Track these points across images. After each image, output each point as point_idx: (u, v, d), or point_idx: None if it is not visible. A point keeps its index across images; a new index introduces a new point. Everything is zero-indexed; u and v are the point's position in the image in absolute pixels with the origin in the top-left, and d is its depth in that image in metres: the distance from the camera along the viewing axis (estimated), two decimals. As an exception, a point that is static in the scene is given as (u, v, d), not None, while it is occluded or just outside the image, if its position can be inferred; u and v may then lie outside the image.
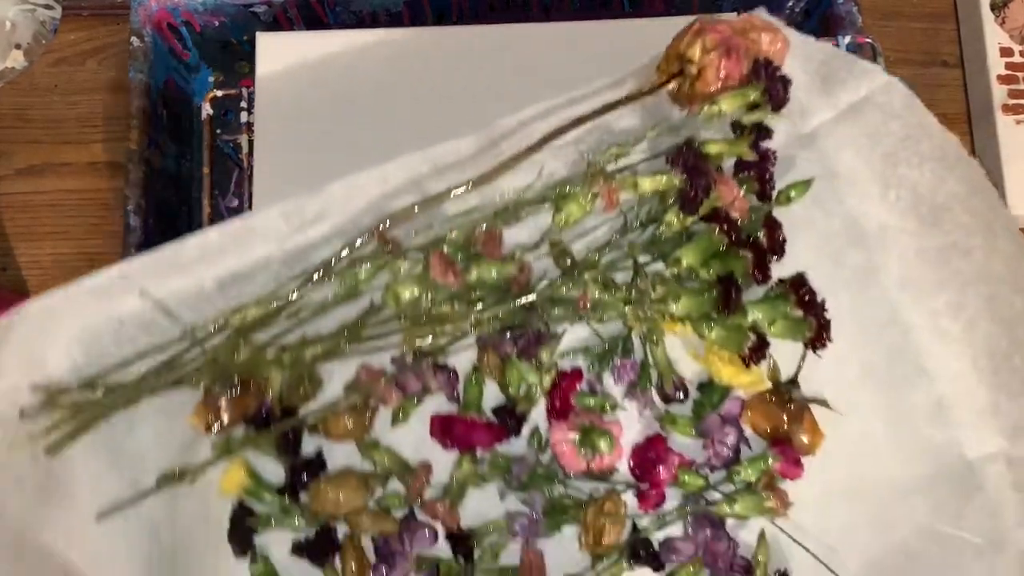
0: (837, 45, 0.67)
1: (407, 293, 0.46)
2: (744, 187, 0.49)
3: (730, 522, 0.51)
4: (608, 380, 0.53)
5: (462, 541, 0.49)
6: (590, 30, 0.68)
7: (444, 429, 0.50)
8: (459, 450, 0.50)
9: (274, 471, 0.49)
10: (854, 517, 0.51)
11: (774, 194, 0.50)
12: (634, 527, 0.50)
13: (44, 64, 0.73)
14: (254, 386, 0.48)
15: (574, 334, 0.53)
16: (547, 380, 0.51)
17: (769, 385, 0.52)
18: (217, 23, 0.69)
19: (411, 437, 0.51)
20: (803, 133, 0.52)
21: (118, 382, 0.45)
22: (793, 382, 0.52)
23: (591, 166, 0.48)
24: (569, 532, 0.51)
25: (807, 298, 0.48)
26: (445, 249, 0.46)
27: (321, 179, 0.48)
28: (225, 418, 0.48)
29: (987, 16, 0.74)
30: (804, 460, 0.51)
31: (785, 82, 0.49)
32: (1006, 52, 0.73)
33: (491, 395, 0.52)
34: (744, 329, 0.48)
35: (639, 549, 0.49)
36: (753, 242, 0.48)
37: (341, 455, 0.50)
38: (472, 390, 0.51)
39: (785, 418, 0.51)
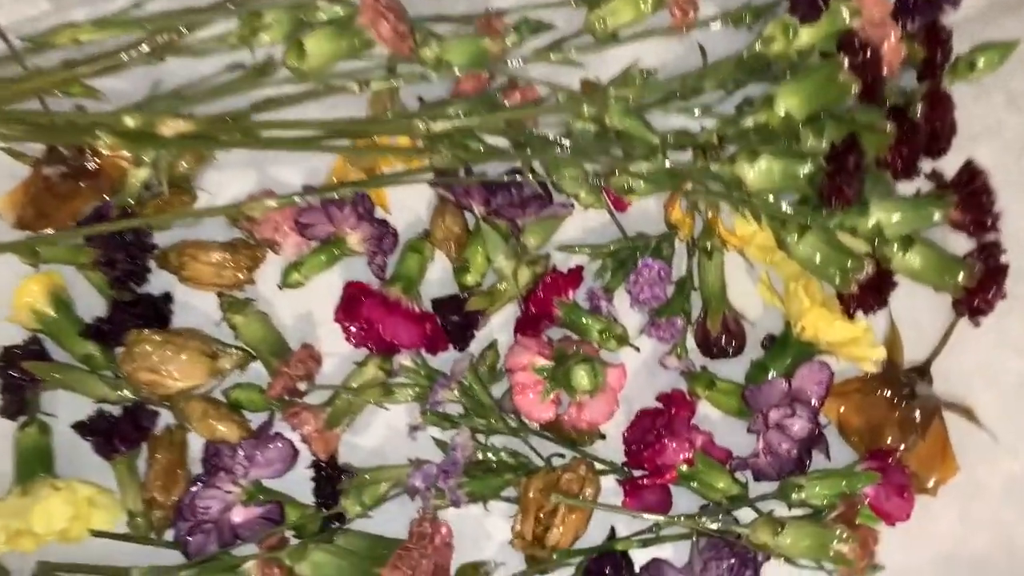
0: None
1: (318, 47, 0.32)
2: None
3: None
4: (622, 301, 0.40)
5: (331, 480, 0.38)
6: None
7: (353, 305, 0.39)
8: (366, 344, 0.39)
9: (93, 307, 0.40)
10: None
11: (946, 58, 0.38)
12: (611, 534, 0.37)
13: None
14: (100, 179, 0.38)
15: (585, 221, 0.40)
16: (527, 275, 0.39)
17: (881, 361, 0.38)
18: None
19: (302, 310, 0.41)
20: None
21: None
22: (923, 370, 0.38)
23: None
24: (499, 511, 0.38)
25: (981, 201, 0.33)
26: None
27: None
28: (47, 212, 0.39)
29: None
30: (919, 501, 0.37)
31: None
32: None
33: (437, 278, 0.41)
34: (855, 246, 0.34)
35: (604, 570, 0.36)
36: (900, 112, 0.34)
37: (195, 312, 0.40)
38: (411, 260, 0.39)
39: (898, 423, 0.37)
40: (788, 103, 0.34)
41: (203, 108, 0.37)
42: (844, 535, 0.34)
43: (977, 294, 0.35)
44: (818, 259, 0.35)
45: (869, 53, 0.35)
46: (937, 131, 0.36)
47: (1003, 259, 0.35)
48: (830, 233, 0.35)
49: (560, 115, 0.36)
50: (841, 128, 0.35)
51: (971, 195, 0.34)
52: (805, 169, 0.34)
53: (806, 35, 0.35)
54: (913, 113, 0.36)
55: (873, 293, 0.35)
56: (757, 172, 0.34)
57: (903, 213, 0.34)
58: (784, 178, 0.34)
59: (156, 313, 0.39)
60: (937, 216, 0.34)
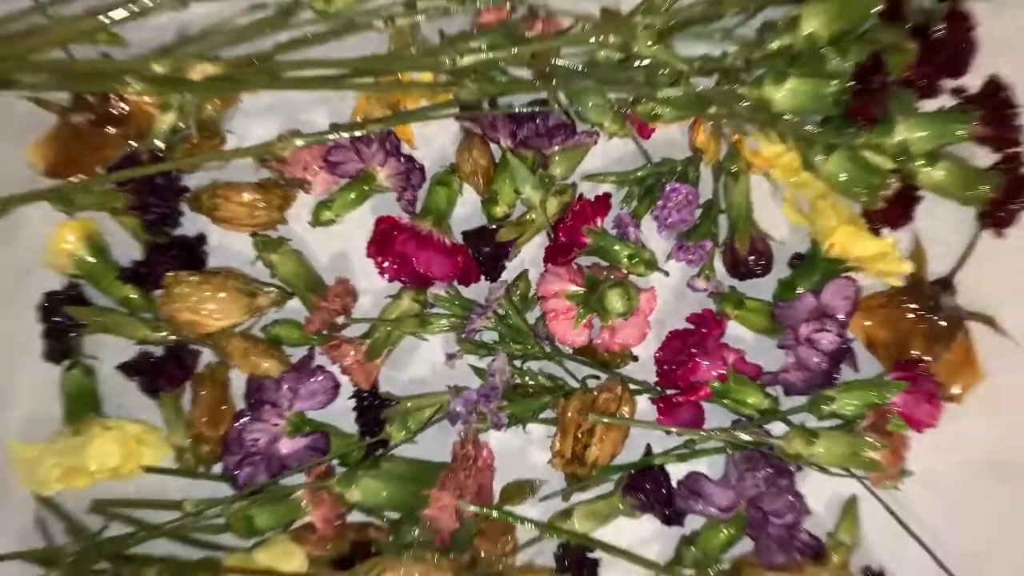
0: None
1: None
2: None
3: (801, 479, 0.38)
4: (650, 227, 0.40)
5: (374, 409, 0.39)
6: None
7: (385, 240, 0.39)
8: (400, 277, 0.39)
9: (129, 251, 0.40)
10: (1011, 513, 0.38)
11: None
12: (647, 451, 0.38)
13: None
14: (129, 125, 0.38)
15: (611, 149, 0.40)
16: (555, 204, 0.39)
17: (907, 276, 0.38)
18: None
19: (336, 247, 0.41)
20: None
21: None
22: (947, 283, 0.38)
23: None
24: (539, 433, 0.39)
25: (1006, 115, 0.33)
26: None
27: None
28: (78, 158, 0.39)
29: None
30: (947, 409, 0.37)
31: None
32: None
33: (466, 211, 0.41)
34: (881, 163, 0.34)
35: (644, 484, 0.37)
36: (922, 30, 0.35)
37: (231, 252, 0.41)
38: (439, 194, 0.39)
39: (924, 335, 0.38)
40: (812, 24, 0.34)
41: (228, 51, 0.37)
42: (876, 443, 0.35)
43: (1001, 205, 0.36)
44: (845, 177, 0.35)
45: None
46: (959, 48, 0.36)
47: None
48: (856, 151, 0.35)
49: (583, 46, 0.35)
50: (865, 48, 0.35)
51: (995, 109, 0.35)
52: (831, 89, 0.34)
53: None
54: (935, 32, 0.36)
55: (899, 208, 0.35)
56: (784, 94, 0.34)
57: (928, 129, 0.35)
58: (811, 99, 0.34)
59: (191, 255, 0.39)
60: (961, 131, 0.35)
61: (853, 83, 0.34)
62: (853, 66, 0.34)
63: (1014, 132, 0.35)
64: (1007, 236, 0.36)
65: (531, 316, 0.40)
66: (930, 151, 0.35)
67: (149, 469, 0.39)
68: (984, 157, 0.36)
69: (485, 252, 0.40)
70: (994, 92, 0.35)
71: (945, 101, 0.36)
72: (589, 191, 0.41)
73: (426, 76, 0.38)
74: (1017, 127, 0.35)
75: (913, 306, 0.38)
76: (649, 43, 0.34)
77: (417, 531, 0.37)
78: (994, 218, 0.36)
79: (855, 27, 0.35)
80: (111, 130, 0.39)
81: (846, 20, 0.35)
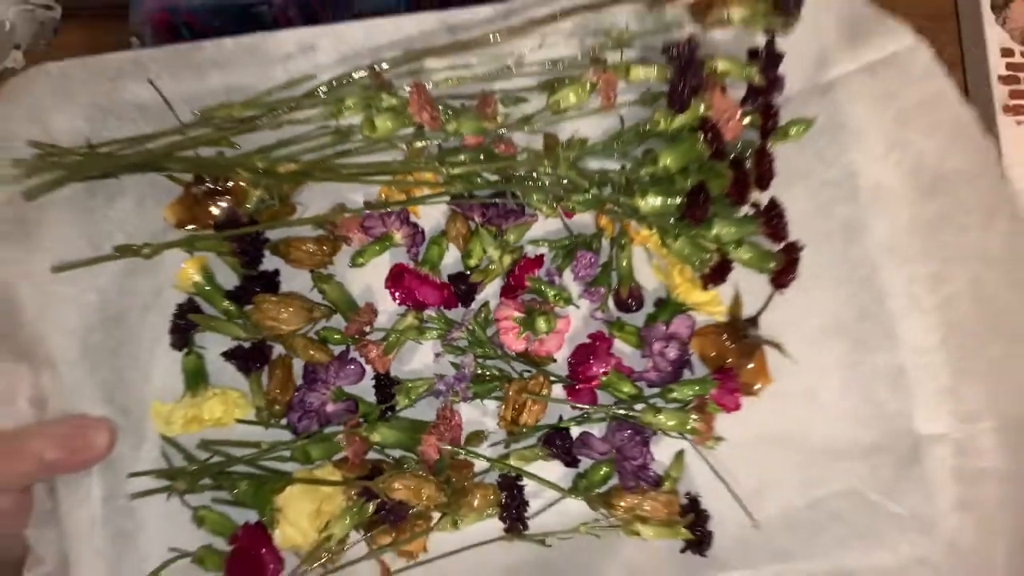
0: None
1: (383, 123, 0.47)
2: (748, 118, 0.49)
3: (655, 444, 0.50)
4: (568, 277, 0.53)
5: (386, 386, 0.50)
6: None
7: (397, 278, 0.51)
8: (406, 303, 0.51)
9: (228, 278, 0.51)
10: (783, 466, 0.50)
11: (774, 128, 0.49)
12: (559, 419, 0.51)
13: (44, 63, 0.69)
14: (231, 196, 0.50)
15: (546, 225, 0.53)
16: (508, 260, 0.52)
17: (728, 315, 0.52)
18: (217, 23, 0.63)
19: (365, 282, 0.52)
20: (820, 83, 0.52)
21: (107, 152, 0.48)
22: (753, 321, 0.52)
23: (592, 52, 0.48)
24: (491, 408, 0.52)
25: (776, 223, 0.47)
26: (429, 86, 0.47)
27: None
28: (197, 216, 0.50)
29: (988, 16, 0.72)
30: (745, 401, 0.50)
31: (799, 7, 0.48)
32: (1007, 53, 0.72)
33: (451, 262, 0.53)
34: (707, 246, 0.48)
35: (556, 439, 0.50)
36: (737, 163, 0.47)
37: (296, 282, 0.52)
38: (434, 250, 0.52)
39: (735, 352, 0.51)
40: (666, 160, 0.47)
41: (304, 155, 0.48)
42: (697, 418, 0.48)
43: (782, 274, 0.48)
44: (686, 253, 0.48)
45: (715, 132, 0.46)
46: (762, 176, 0.48)
47: (798, 254, 0.47)
48: (692, 238, 0.47)
49: (530, 164, 0.47)
50: (700, 174, 0.47)
51: (772, 218, 0.47)
52: (676, 201, 0.46)
53: (678, 119, 0.47)
54: (747, 163, 0.47)
55: (718, 274, 0.48)
56: (647, 203, 0.47)
57: (735, 227, 0.47)
58: (664, 206, 0.47)
59: (271, 283, 0.50)
60: (754, 229, 0.47)
61: (689, 198, 0.46)
62: (690, 187, 0.46)
63: (784, 232, 0.47)
64: (786, 292, 0.49)
65: (490, 331, 0.51)
66: (737, 239, 0.47)
67: (240, 421, 0.50)
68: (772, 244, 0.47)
69: (462, 288, 0.51)
70: (773, 207, 0.47)
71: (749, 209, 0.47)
72: (531, 252, 0.52)
73: (429, 176, 0.49)
74: (784, 229, 0.47)
75: (730, 334, 0.51)
76: (567, 167, 0.47)
77: (413, 462, 0.48)
78: (779, 281, 0.48)
79: (693, 161, 0.47)
80: (220, 199, 0.50)
81: (687, 158, 0.47)
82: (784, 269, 0.48)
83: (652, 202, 0.47)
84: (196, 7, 0.61)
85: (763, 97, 0.49)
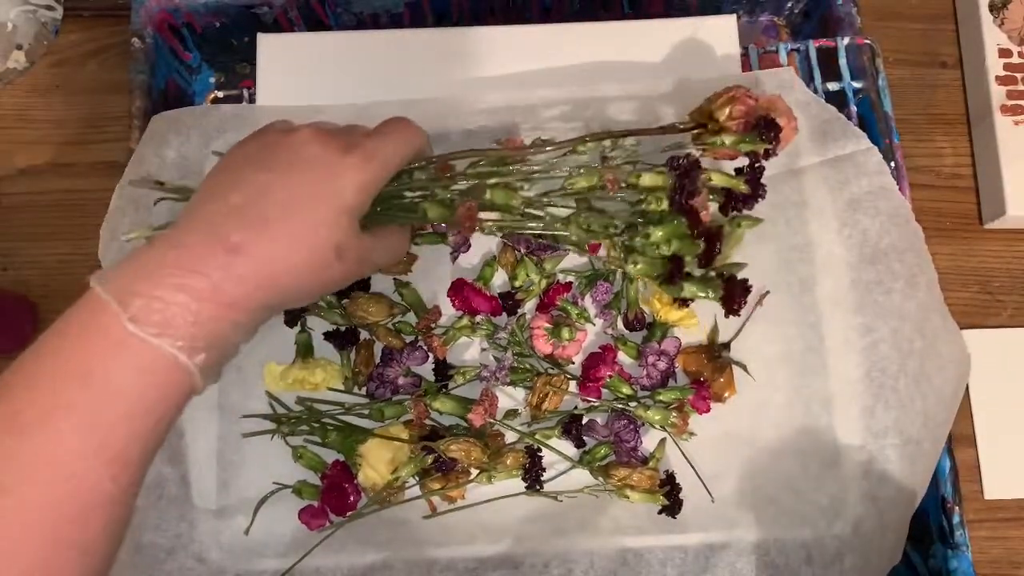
0: (836, 47, 0.68)
1: (435, 212, 0.57)
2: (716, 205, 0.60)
3: (644, 433, 0.64)
4: (588, 300, 0.65)
5: (443, 369, 0.62)
6: (590, 31, 0.65)
7: (458, 289, 0.63)
8: (463, 309, 0.63)
9: None
10: (739, 459, 0.62)
11: (733, 215, 0.58)
12: (574, 408, 0.63)
13: (45, 65, 0.71)
14: None
15: (575, 260, 0.66)
16: (544, 283, 0.64)
17: (708, 340, 0.65)
18: (218, 24, 0.67)
19: (433, 290, 0.65)
20: (793, 168, 0.66)
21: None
22: (726, 346, 0.65)
23: (605, 160, 0.60)
24: (521, 395, 0.63)
25: (734, 289, 0.56)
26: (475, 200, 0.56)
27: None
28: None
29: (986, 17, 0.71)
30: (715, 406, 0.62)
31: (776, 143, 0.59)
32: (1005, 53, 0.71)
33: (501, 282, 0.65)
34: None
35: (570, 425, 0.62)
36: (711, 237, 0.56)
37: (381, 285, 0.64)
38: (488, 270, 0.64)
39: (710, 368, 0.65)
40: (657, 235, 0.54)
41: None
42: (677, 416, 0.60)
43: (726, 301, 0.55)
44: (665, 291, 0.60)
45: (694, 219, 0.53)
46: (711, 249, 0.55)
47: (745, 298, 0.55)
48: (673, 288, 0.55)
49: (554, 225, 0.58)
50: (680, 245, 0.54)
51: (729, 283, 0.55)
52: (662, 266, 0.54)
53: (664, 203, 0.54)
54: (716, 237, 0.54)
55: (684, 303, 0.60)
56: (640, 264, 0.55)
57: (699, 285, 0.55)
58: (652, 268, 0.55)
59: (364, 284, 0.62)
60: (718, 288, 0.55)
61: (670, 263, 0.53)
62: (672, 255, 0.54)
63: (743, 295, 0.55)
64: (753, 327, 0.62)
65: (525, 335, 0.62)
66: (704, 291, 0.55)
67: (331, 388, 0.61)
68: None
69: (508, 303, 0.62)
70: (731, 277, 0.55)
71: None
72: (562, 279, 0.63)
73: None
74: (744, 297, 0.54)
75: (707, 354, 0.62)
76: (583, 228, 0.64)
77: (462, 428, 0.59)
78: (728, 309, 0.54)
79: (677, 235, 0.54)
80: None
81: (674, 233, 0.54)
82: (728, 307, 0.58)
83: (640, 264, 0.56)
84: (197, 8, 0.64)
85: (744, 205, 0.58)
